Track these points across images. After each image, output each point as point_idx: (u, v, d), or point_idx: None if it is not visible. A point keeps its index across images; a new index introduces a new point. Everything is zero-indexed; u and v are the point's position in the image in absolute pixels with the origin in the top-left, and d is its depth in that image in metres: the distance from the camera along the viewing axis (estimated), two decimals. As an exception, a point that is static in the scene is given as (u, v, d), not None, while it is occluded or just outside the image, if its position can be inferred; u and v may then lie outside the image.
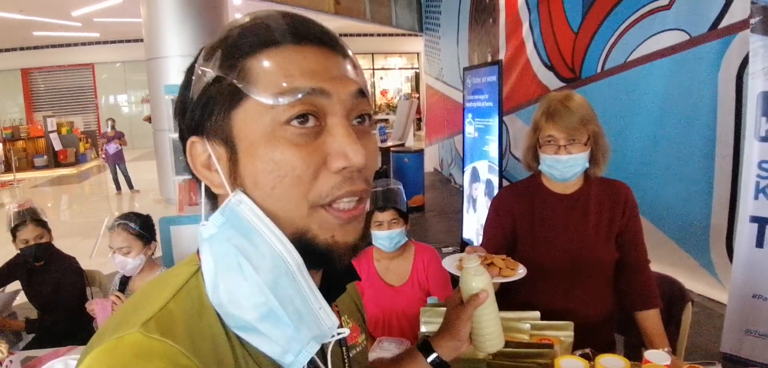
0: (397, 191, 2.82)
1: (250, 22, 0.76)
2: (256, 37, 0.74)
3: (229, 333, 0.76)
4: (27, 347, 3.19)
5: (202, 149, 0.78)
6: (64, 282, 3.39)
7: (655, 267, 2.41)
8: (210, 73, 0.75)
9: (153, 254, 2.99)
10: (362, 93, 0.79)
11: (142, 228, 2.90)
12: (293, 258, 0.74)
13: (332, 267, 0.80)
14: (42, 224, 3.34)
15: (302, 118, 0.73)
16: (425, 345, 1.32)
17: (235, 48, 0.74)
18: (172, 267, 0.88)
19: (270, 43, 0.74)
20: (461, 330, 1.29)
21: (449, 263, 2.10)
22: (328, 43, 0.77)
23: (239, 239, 0.73)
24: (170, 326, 0.69)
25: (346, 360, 0.97)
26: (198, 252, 0.81)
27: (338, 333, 0.81)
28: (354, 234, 0.80)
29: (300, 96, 0.72)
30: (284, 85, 0.72)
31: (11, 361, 2.18)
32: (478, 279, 1.30)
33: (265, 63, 0.73)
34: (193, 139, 0.79)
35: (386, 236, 2.74)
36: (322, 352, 0.85)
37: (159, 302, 0.72)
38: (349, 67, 0.78)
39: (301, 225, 0.75)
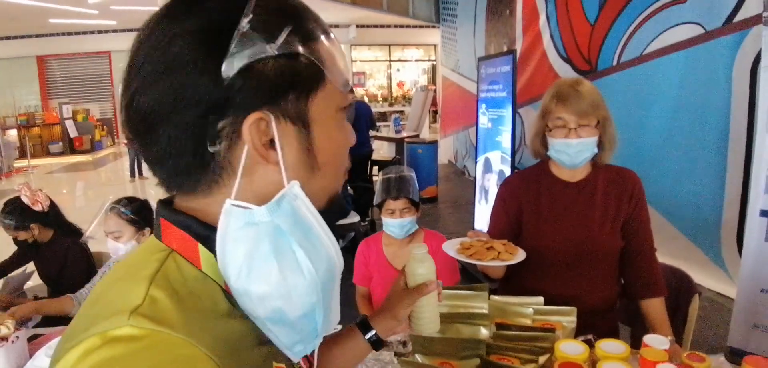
0: (410, 179, 2.85)
1: (301, 7, 0.77)
2: (317, 24, 0.78)
3: (223, 316, 0.74)
4: (37, 326, 3.23)
5: (267, 127, 0.73)
6: (69, 259, 3.40)
7: (665, 260, 2.41)
8: (273, 46, 0.70)
9: (145, 240, 2.92)
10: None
11: (134, 213, 2.86)
12: (340, 260, 0.79)
13: (341, 215, 0.91)
14: (22, 228, 3.34)
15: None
16: (364, 324, 1.38)
17: (307, 29, 0.75)
18: (124, 258, 0.82)
19: (324, 32, 0.79)
20: (400, 312, 1.36)
21: (449, 247, 2.12)
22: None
23: (299, 235, 0.73)
24: (162, 314, 0.65)
25: None
26: (159, 237, 0.79)
27: (334, 329, 0.88)
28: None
29: (350, 87, 0.82)
30: (346, 76, 0.81)
31: (17, 337, 2.20)
32: (423, 265, 1.37)
33: (329, 51, 0.78)
34: (259, 114, 0.72)
35: (398, 224, 2.78)
36: None
37: (139, 292, 0.67)
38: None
39: (337, 190, 0.87)
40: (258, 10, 0.70)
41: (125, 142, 13.60)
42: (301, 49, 0.73)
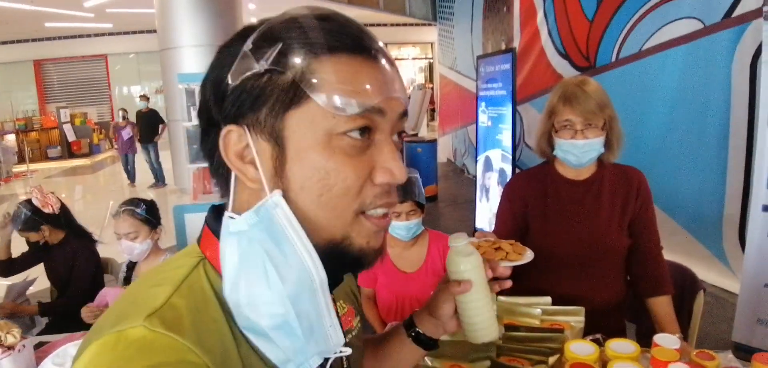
0: (415, 182, 2.83)
1: (314, 21, 0.75)
2: (324, 39, 0.73)
3: (234, 328, 0.76)
4: (41, 333, 3.23)
5: (239, 139, 0.76)
6: (78, 261, 3.43)
7: (667, 256, 2.41)
8: (262, 63, 0.73)
9: (159, 238, 2.99)
10: (405, 113, 0.81)
11: (147, 213, 2.89)
12: (318, 274, 0.74)
13: (359, 270, 0.83)
14: (33, 229, 3.39)
15: (362, 130, 0.75)
16: (410, 322, 1.26)
17: (298, 46, 0.73)
18: (170, 258, 0.85)
19: (337, 49, 0.73)
20: (440, 309, 1.19)
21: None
22: (387, 59, 0.79)
23: (269, 244, 0.73)
24: (175, 320, 0.68)
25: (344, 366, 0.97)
26: (199, 242, 0.83)
27: (341, 351, 0.81)
28: (381, 240, 0.83)
29: (362, 111, 0.74)
30: (350, 97, 0.73)
31: (24, 346, 2.20)
32: (464, 261, 1.15)
33: (332, 70, 0.73)
34: (230, 127, 0.75)
35: (404, 226, 2.76)
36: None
37: (161, 296, 0.71)
38: (399, 87, 0.80)
39: (342, 233, 0.78)
40: (264, 31, 0.75)
41: (116, 147, 13.57)
42: (287, 66, 0.73)
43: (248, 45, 0.74)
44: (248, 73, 0.73)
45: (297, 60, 0.72)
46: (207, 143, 0.82)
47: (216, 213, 0.83)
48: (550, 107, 2.25)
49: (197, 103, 0.85)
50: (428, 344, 1.24)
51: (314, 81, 0.72)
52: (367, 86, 0.74)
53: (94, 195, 12.46)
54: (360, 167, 0.76)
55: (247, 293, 0.73)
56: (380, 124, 0.77)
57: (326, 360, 0.84)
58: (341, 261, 0.79)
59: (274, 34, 0.74)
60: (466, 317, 1.16)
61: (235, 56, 0.74)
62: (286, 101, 0.73)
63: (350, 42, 0.75)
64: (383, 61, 0.78)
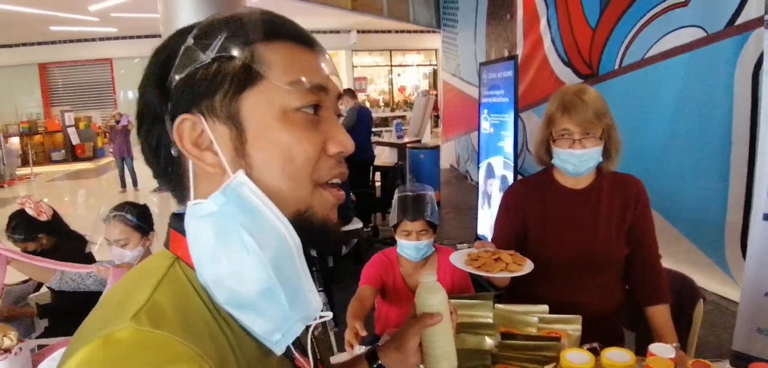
0: (428, 199, 2.68)
1: (255, 14, 0.81)
2: (268, 28, 0.80)
3: (217, 315, 0.77)
4: (41, 336, 3.22)
5: (194, 127, 0.78)
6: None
7: (669, 264, 2.40)
8: (208, 53, 0.77)
9: (151, 245, 2.88)
10: (340, 96, 0.90)
11: (139, 219, 2.81)
12: (293, 240, 0.78)
13: (327, 248, 0.85)
14: (31, 239, 3.38)
15: (313, 106, 0.82)
16: (373, 354, 1.30)
17: (245, 32, 0.78)
18: (142, 262, 0.86)
19: (281, 37, 0.81)
20: (406, 345, 1.26)
21: (457, 258, 2.10)
22: (322, 49, 0.87)
23: (243, 218, 0.75)
24: (161, 317, 0.68)
25: (312, 341, 0.98)
26: (167, 246, 0.84)
27: (321, 316, 0.86)
28: (336, 216, 0.89)
29: (311, 87, 0.80)
30: (299, 75, 0.79)
31: (20, 349, 2.19)
32: (432, 295, 1.28)
33: (281, 53, 0.79)
34: (184, 116, 0.78)
35: (413, 247, 2.64)
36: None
37: (142, 295, 0.71)
38: (335, 71, 0.89)
39: (305, 203, 0.82)
40: (204, 26, 0.80)
41: (111, 151, 13.57)
42: (235, 52, 0.77)
43: (189, 41, 0.78)
44: (195, 65, 0.77)
45: (246, 44, 0.78)
46: (150, 143, 0.83)
47: (178, 218, 0.84)
48: (548, 116, 2.25)
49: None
50: None
51: (265, 63, 0.78)
52: (312, 67, 0.82)
53: (97, 199, 12.48)
54: (315, 140, 0.81)
55: (228, 264, 0.75)
56: (325, 102, 0.84)
57: (308, 327, 0.89)
58: (309, 234, 0.82)
59: (214, 27, 0.79)
60: (431, 348, 1.27)
61: (175, 54, 0.78)
62: (240, 84, 0.77)
63: (290, 32, 0.82)
64: (319, 49, 0.86)
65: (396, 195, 2.74)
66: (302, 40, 0.83)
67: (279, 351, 0.83)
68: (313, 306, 0.84)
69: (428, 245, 2.67)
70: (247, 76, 0.77)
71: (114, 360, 0.63)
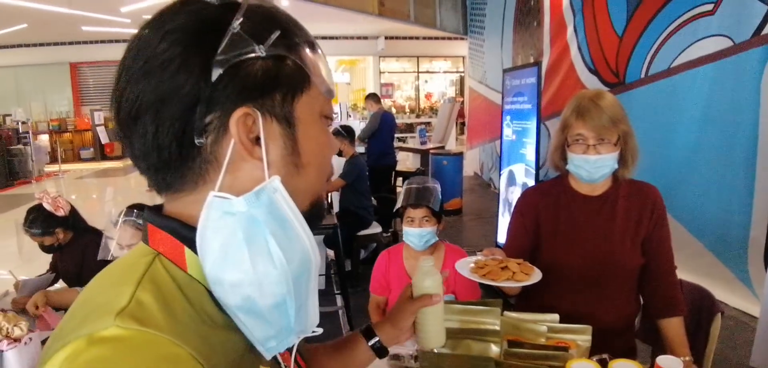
0: (432, 190, 2.78)
1: (288, 18, 0.82)
2: (302, 35, 0.82)
3: (202, 312, 0.74)
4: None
5: (254, 122, 0.76)
6: (87, 257, 3.43)
7: (691, 277, 2.35)
8: (261, 48, 0.74)
9: None
10: None
11: None
12: (315, 258, 0.82)
13: (318, 221, 0.91)
14: (48, 234, 3.42)
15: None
16: (368, 331, 1.40)
17: (293, 35, 0.79)
18: (118, 260, 0.82)
19: (311, 45, 0.83)
20: (403, 322, 1.40)
21: (463, 266, 2.08)
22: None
23: (274, 226, 0.75)
24: (147, 315, 0.66)
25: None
26: (146, 242, 0.81)
27: (314, 331, 0.88)
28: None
29: (333, 95, 0.87)
30: (330, 84, 0.85)
31: (30, 339, 2.21)
32: (429, 278, 1.40)
33: (318, 61, 0.83)
34: (247, 110, 0.74)
35: (417, 233, 2.71)
36: None
37: (125, 294, 0.68)
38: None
39: (318, 195, 0.89)
40: (250, 14, 0.75)
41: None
42: (290, 52, 0.77)
43: (235, 25, 0.73)
44: (248, 56, 0.74)
45: (296, 49, 0.79)
46: (179, 126, 0.74)
47: (157, 212, 0.83)
48: (564, 120, 2.21)
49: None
50: (381, 352, 1.40)
51: (312, 67, 0.81)
52: (328, 73, 0.85)
53: (124, 197, 12.60)
54: (334, 143, 0.93)
55: (253, 272, 0.74)
56: None
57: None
58: (318, 215, 0.89)
59: (264, 19, 0.77)
60: (423, 326, 1.41)
61: (219, 31, 0.73)
62: (296, 86, 0.79)
63: (309, 38, 0.84)
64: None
65: (403, 186, 2.87)
66: (315, 47, 0.85)
67: (268, 356, 0.83)
68: (312, 319, 0.86)
69: (431, 233, 2.74)
70: (302, 80, 0.80)
71: (101, 361, 0.61)
